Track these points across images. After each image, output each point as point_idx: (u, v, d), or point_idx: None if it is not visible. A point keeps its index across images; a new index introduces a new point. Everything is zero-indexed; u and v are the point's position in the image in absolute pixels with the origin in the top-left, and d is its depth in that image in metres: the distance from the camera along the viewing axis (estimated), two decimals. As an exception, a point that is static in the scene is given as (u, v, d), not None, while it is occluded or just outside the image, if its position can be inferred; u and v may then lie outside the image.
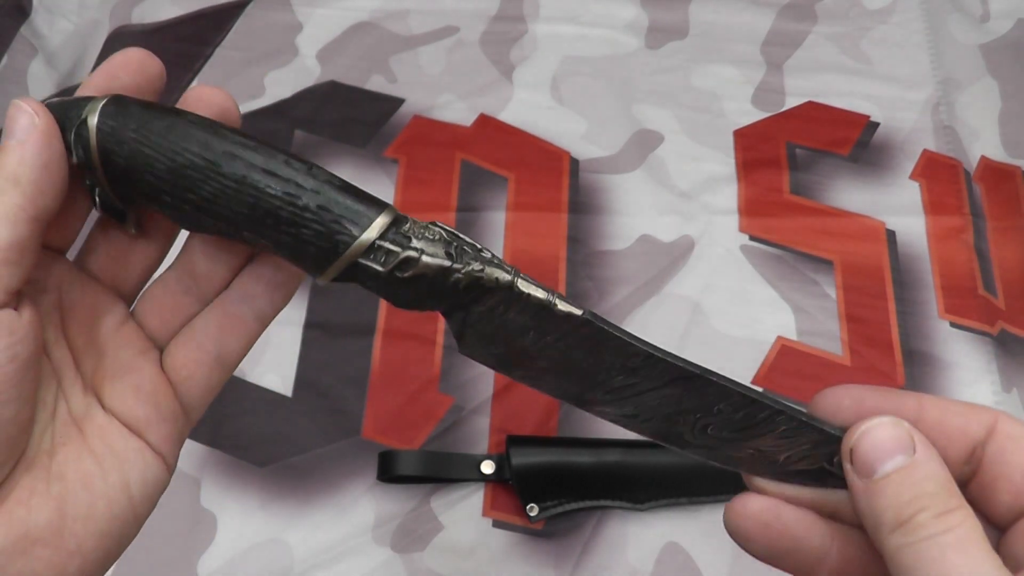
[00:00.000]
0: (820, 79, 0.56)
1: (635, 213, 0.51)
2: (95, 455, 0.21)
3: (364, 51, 0.57)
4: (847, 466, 0.22)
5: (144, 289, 0.23)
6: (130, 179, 0.20)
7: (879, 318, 0.49)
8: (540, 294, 0.21)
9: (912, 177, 0.53)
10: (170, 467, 0.23)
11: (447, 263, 0.21)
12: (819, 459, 0.23)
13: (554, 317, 0.22)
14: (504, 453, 0.44)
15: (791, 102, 0.55)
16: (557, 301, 0.21)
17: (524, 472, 0.43)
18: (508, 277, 0.21)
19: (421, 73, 0.56)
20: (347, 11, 0.58)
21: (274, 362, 0.47)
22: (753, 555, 0.23)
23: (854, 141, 0.54)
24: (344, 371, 0.47)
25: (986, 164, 0.53)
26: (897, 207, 0.52)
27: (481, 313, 0.22)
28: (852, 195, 0.52)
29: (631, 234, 0.51)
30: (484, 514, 0.44)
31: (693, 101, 0.55)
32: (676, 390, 0.23)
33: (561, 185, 0.52)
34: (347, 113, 0.55)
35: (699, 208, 0.51)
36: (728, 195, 0.52)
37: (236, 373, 0.46)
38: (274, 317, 0.24)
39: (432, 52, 0.57)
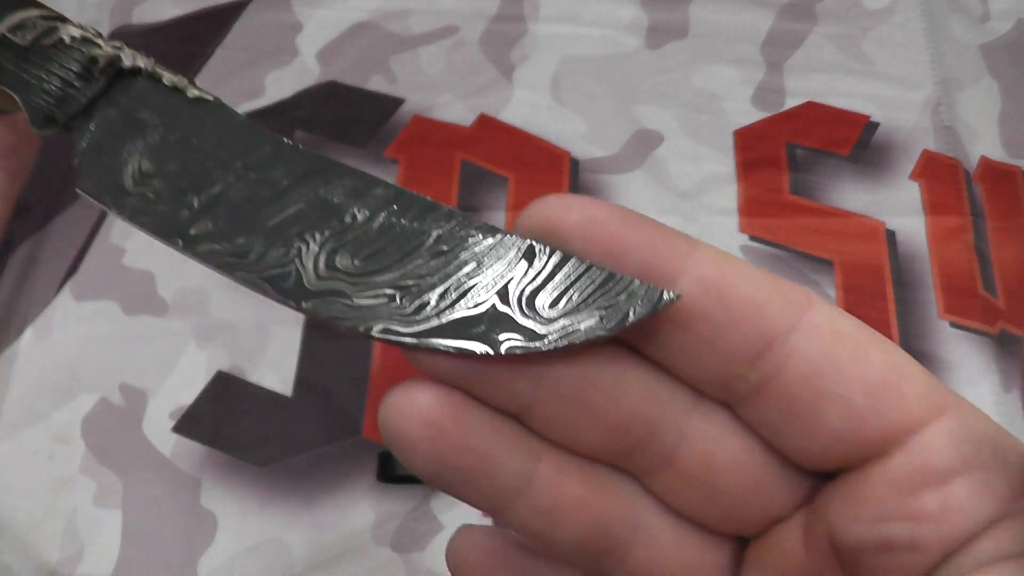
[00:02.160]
0: (820, 79, 0.56)
1: (635, 213, 0.51)
2: None
3: (364, 51, 0.57)
4: None
5: None
6: None
7: (879, 318, 0.49)
8: (173, 76, 0.20)
9: (912, 177, 0.53)
10: None
11: (89, 33, 0.20)
12: (489, 292, 0.15)
13: (185, 105, 0.19)
14: (504, 453, 0.44)
15: (791, 102, 0.55)
16: (189, 86, 0.20)
17: (524, 472, 0.43)
18: (145, 61, 0.20)
19: (421, 73, 0.56)
20: (347, 11, 0.58)
21: (274, 362, 0.47)
22: (422, 475, 0.16)
23: (854, 141, 0.54)
24: (344, 371, 0.47)
25: (986, 164, 0.53)
26: (897, 207, 0.52)
27: (111, 119, 0.20)
28: (852, 195, 0.52)
29: (631, 234, 0.51)
30: (484, 514, 0.44)
31: (693, 101, 0.55)
32: (303, 191, 0.17)
33: (561, 185, 0.52)
34: (347, 113, 0.55)
35: (699, 208, 0.51)
36: (728, 195, 0.52)
37: (236, 373, 0.46)
38: (15, 193, 0.23)
39: (432, 52, 0.57)
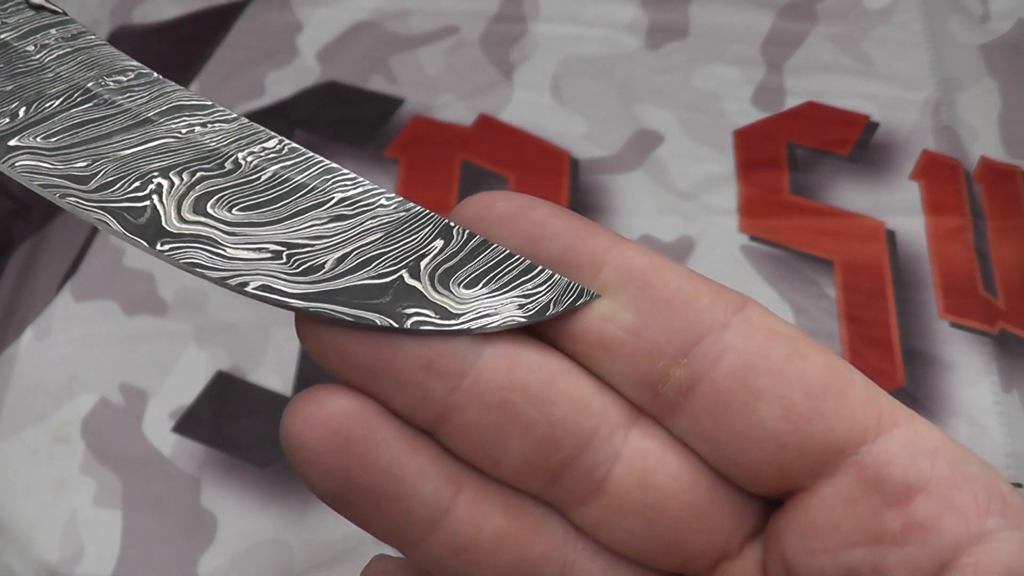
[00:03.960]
0: (820, 79, 0.56)
1: (635, 213, 0.51)
2: None
3: (364, 51, 0.57)
4: None
5: None
6: None
7: (879, 318, 0.49)
8: None
9: (912, 177, 0.53)
10: None
11: None
12: (397, 264, 0.14)
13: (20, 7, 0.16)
14: (504, 453, 0.44)
15: (791, 102, 0.55)
16: None
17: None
18: None
19: (421, 73, 0.56)
20: (347, 11, 0.58)
21: (274, 362, 0.47)
22: (323, 496, 0.14)
23: (854, 141, 0.54)
24: (344, 371, 0.47)
25: (986, 164, 0.53)
26: (897, 207, 0.52)
27: None
28: (852, 195, 0.52)
29: (631, 234, 0.51)
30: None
31: (693, 101, 0.55)
32: (174, 125, 0.15)
33: (561, 185, 0.52)
34: (347, 113, 0.55)
35: (699, 208, 0.51)
36: (728, 195, 0.52)
37: (236, 373, 0.46)
38: None
39: (432, 52, 0.57)
